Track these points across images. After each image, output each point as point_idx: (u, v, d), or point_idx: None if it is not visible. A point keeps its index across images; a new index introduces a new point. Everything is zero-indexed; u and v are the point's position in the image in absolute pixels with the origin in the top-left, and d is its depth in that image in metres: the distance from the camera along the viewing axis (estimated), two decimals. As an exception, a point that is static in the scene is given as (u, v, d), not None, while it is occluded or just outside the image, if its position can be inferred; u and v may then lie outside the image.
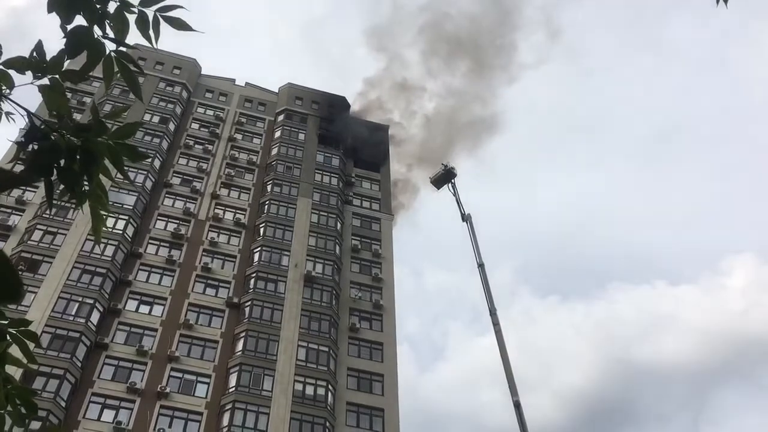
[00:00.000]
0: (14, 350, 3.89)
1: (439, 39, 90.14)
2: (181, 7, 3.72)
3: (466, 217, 52.15)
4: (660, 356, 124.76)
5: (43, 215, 50.95)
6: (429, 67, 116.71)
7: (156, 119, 64.20)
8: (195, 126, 67.90)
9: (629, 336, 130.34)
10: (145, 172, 57.29)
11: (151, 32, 3.75)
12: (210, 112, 70.10)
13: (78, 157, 3.47)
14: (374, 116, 79.13)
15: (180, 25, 3.75)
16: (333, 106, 74.50)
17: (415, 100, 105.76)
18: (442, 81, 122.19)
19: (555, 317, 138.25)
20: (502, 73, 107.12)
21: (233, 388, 46.18)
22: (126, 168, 3.63)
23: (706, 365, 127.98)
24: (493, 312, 46.11)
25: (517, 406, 39.58)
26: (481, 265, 49.34)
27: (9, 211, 52.10)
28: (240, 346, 48.84)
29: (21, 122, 4.16)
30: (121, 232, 51.77)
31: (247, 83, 75.37)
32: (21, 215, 51.89)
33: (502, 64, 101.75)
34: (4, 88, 3.72)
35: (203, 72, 74.29)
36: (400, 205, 74.13)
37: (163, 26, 3.76)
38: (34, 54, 3.65)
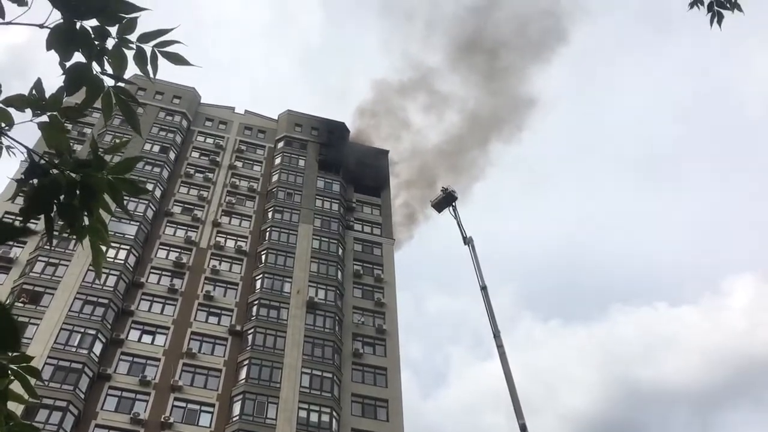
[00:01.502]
0: (15, 386, 3.88)
1: (457, 44, 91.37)
2: (179, 42, 3.76)
3: (467, 240, 52.08)
4: (663, 378, 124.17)
5: (45, 247, 50.94)
6: (444, 72, 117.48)
7: (156, 148, 64.46)
8: (195, 154, 68.14)
9: (632, 358, 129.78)
10: (146, 202, 57.40)
11: (149, 67, 3.78)
12: (210, 141, 70.38)
13: (78, 192, 3.49)
14: (380, 126, 79.95)
15: (178, 60, 3.79)
16: (332, 132, 74.80)
17: (424, 109, 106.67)
18: (456, 89, 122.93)
19: (557, 340, 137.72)
20: (517, 78, 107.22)
21: (237, 417, 45.86)
22: (126, 199, 3.65)
23: (709, 386, 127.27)
24: (496, 334, 45.91)
25: (523, 429, 39.28)
26: (483, 288, 49.21)
27: (10, 243, 51.97)
28: (243, 374, 48.58)
29: (20, 156, 4.20)
30: (122, 262, 51.74)
31: (246, 111, 75.76)
32: (22, 247, 51.87)
33: (516, 68, 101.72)
34: (3, 125, 3.75)
35: (203, 101, 74.71)
36: (402, 224, 74.32)
37: (162, 61, 3.80)
38: (33, 92, 3.68)
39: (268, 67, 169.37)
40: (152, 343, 49.30)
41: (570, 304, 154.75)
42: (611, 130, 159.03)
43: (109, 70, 3.64)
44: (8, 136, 3.78)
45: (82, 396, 43.62)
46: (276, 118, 75.91)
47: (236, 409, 46.47)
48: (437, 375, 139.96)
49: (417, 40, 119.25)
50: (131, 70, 3.78)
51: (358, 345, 54.01)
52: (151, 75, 3.80)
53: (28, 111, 3.72)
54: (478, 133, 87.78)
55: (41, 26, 3.50)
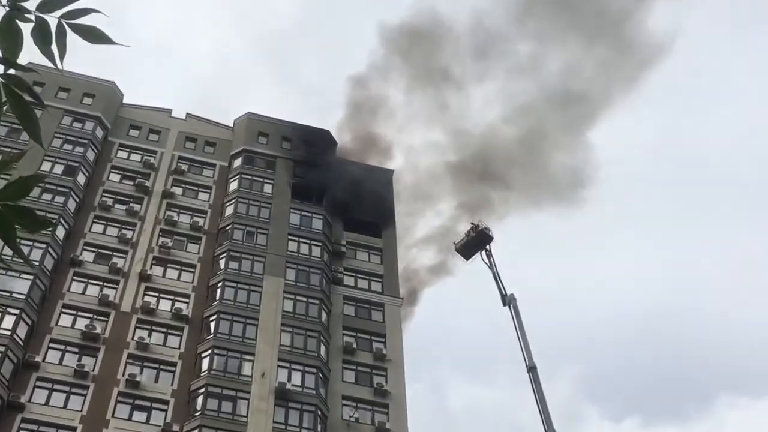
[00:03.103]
0: None
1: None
2: (97, 11, 3.76)
3: (507, 300, 52.06)
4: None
5: None
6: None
7: (59, 169, 64.54)
8: (115, 177, 68.26)
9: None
10: (44, 245, 57.31)
11: (54, 47, 3.78)
12: (136, 157, 70.55)
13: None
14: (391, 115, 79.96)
15: (96, 36, 3.79)
16: (312, 143, 74.77)
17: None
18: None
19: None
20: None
21: None
22: (19, 239, 3.62)
23: None
24: (552, 437, 45.68)
25: None
26: (532, 369, 49.09)
27: None
28: (183, 495, 48.30)
29: None
30: (8, 332, 51.57)
31: (188, 115, 75.94)
32: None
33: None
34: None
35: (126, 101, 75.00)
36: (414, 277, 74.22)
37: (72, 39, 3.80)
38: None
39: (220, 53, 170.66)
40: (51, 450, 49.03)
41: (654, 396, 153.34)
42: (718, 144, 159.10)
43: (-4, 52, 3.65)
44: None
45: None
46: (231, 124, 76.21)
47: None
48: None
49: None
50: (27, 53, 3.78)
51: (351, 452, 53.73)
52: (58, 60, 3.80)
53: None
54: (559, 115, 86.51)
55: None
